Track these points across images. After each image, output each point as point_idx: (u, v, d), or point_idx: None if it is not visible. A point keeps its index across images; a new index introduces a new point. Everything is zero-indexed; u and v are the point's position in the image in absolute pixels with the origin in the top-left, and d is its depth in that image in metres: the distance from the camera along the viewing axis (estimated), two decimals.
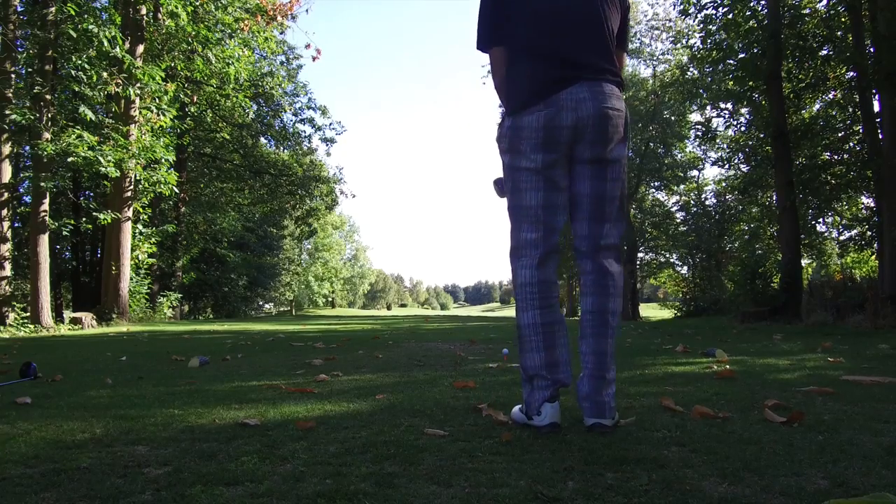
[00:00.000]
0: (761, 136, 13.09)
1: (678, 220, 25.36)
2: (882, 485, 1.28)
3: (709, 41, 11.54)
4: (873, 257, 14.57)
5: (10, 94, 10.18)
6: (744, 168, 16.01)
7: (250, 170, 21.62)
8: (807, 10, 11.93)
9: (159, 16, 13.40)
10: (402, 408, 2.30)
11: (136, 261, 14.09)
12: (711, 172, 41.93)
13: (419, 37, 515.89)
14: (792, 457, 1.51)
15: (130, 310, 13.09)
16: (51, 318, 10.77)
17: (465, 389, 2.75)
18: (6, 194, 10.38)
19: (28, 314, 10.72)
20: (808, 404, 2.22)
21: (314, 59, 17.98)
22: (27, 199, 13.45)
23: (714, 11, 11.16)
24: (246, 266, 25.20)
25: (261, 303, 34.69)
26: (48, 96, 10.55)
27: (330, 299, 62.57)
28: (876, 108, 10.37)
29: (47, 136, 10.41)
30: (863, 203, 14.70)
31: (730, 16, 10.88)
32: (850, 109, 12.51)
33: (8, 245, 10.55)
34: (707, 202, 24.83)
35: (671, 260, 26.18)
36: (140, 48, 12.59)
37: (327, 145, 22.93)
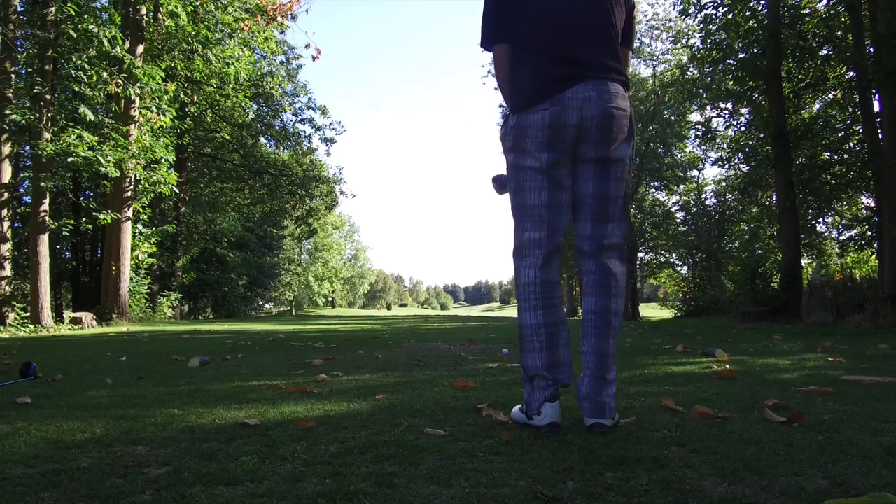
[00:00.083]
0: (761, 136, 13.09)
1: (678, 220, 25.37)
2: (882, 485, 1.28)
3: (709, 41, 11.54)
4: (873, 257, 14.57)
5: (10, 94, 10.18)
6: (744, 168, 16.02)
7: (250, 170, 21.61)
8: (807, 10, 11.92)
9: (159, 16, 13.39)
10: (402, 408, 2.30)
11: (136, 261, 14.09)
12: (711, 172, 42.04)
13: (419, 37, 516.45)
14: (792, 457, 1.51)
15: (130, 310, 13.10)
16: (51, 318, 10.77)
17: (465, 389, 2.75)
18: (6, 194, 10.38)
19: (28, 314, 10.73)
20: (808, 404, 2.22)
21: (314, 59, 17.98)
22: (27, 199, 13.46)
23: (714, 11, 11.16)
24: (246, 266, 25.18)
25: (261, 303, 34.64)
26: (48, 96, 10.55)
27: (330, 299, 62.58)
28: (876, 107, 10.37)
29: (47, 136, 10.41)
30: (863, 203, 14.72)
31: (730, 16, 10.87)
32: (850, 109, 12.51)
33: (8, 245, 10.55)
34: (707, 202, 24.85)
35: (671, 260, 26.18)
36: (140, 48, 12.60)
37: (327, 145, 22.94)
